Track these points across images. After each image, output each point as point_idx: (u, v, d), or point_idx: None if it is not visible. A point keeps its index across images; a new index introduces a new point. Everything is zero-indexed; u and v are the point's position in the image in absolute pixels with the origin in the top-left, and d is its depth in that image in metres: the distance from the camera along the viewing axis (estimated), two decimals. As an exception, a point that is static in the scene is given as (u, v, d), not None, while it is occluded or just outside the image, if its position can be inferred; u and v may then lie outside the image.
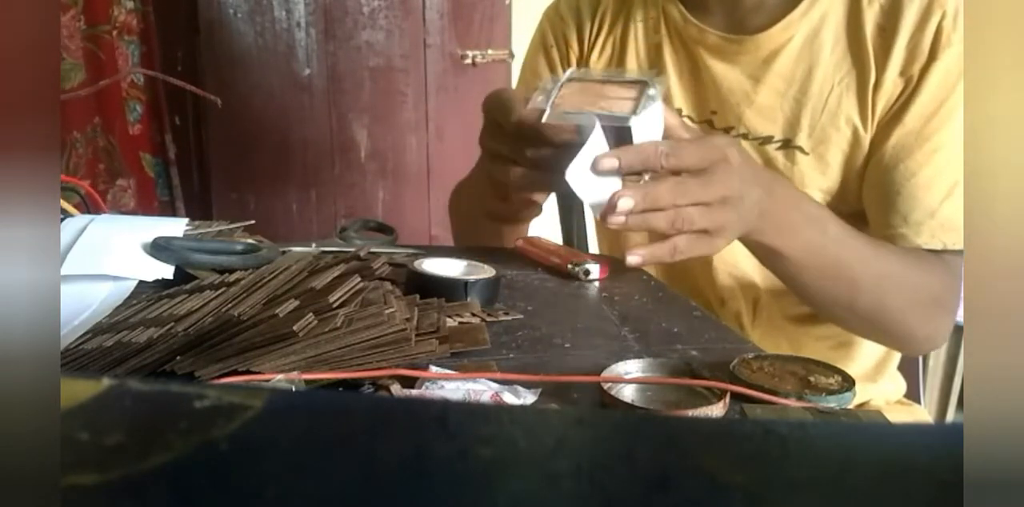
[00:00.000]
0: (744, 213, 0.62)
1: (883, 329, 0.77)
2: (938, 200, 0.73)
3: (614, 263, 0.78)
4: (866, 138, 0.77)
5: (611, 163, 0.58)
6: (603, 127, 0.59)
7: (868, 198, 0.78)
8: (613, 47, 0.89)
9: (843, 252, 0.70)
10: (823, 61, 0.77)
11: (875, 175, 0.76)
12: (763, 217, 0.64)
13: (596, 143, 0.58)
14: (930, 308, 0.75)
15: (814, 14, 0.77)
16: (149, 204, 1.86)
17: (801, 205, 0.68)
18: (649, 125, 0.59)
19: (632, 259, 0.61)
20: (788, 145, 0.79)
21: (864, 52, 0.75)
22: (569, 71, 0.64)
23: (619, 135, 0.59)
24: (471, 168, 0.95)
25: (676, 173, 0.59)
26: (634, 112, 0.59)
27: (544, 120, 0.60)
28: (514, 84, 1.09)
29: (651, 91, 0.60)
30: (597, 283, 0.73)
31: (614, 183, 0.59)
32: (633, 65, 0.87)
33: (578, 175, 0.58)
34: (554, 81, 0.62)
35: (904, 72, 0.74)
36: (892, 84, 0.75)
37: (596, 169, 0.58)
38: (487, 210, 0.86)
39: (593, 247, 1.05)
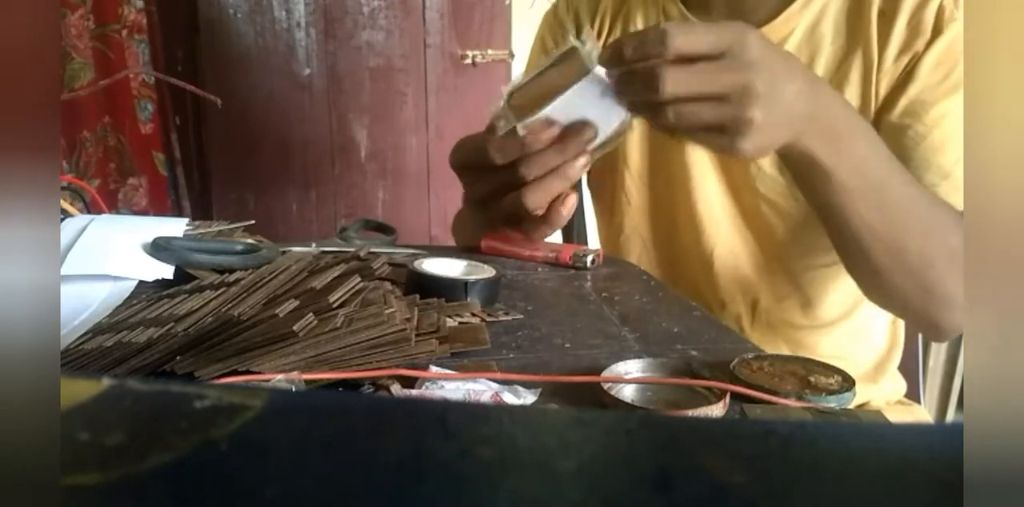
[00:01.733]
0: (777, 111, 0.54)
1: (925, 285, 0.69)
2: (951, 162, 0.71)
3: (608, 259, 0.79)
4: (868, 121, 0.76)
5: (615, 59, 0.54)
6: (574, 94, 0.57)
7: None
8: None
9: (892, 178, 0.64)
10: (824, 51, 0.77)
11: (885, 142, 0.75)
12: (810, 120, 0.58)
13: (572, 104, 0.58)
14: (958, 254, 0.69)
15: (814, 5, 0.77)
16: (162, 203, 1.86)
17: (848, 111, 0.63)
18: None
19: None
20: None
21: (867, 37, 0.75)
22: (502, 92, 0.61)
23: (592, 93, 0.58)
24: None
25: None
26: (590, 68, 0.57)
27: (520, 130, 0.58)
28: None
29: (586, 47, 0.57)
30: (594, 282, 0.73)
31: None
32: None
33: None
34: (499, 104, 0.60)
35: (907, 49, 0.74)
36: (894, 63, 0.74)
37: (611, 82, 0.55)
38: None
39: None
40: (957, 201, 0.71)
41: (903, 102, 0.74)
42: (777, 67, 0.54)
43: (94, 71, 1.67)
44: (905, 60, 0.74)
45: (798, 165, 0.63)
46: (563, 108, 0.58)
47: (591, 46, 0.57)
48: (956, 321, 0.75)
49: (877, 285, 0.73)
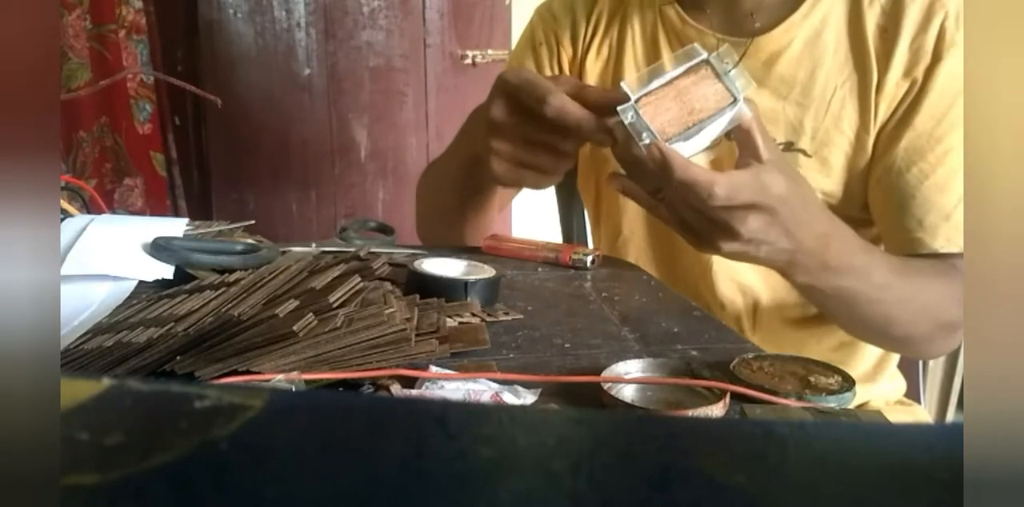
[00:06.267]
0: (767, 253, 0.60)
1: (911, 349, 0.78)
2: (953, 203, 0.73)
3: (607, 259, 0.80)
4: (868, 140, 0.76)
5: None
6: (718, 123, 0.57)
7: (880, 202, 0.77)
8: (610, 49, 0.88)
9: (883, 294, 0.69)
10: (825, 64, 0.77)
11: (887, 179, 0.76)
12: (792, 265, 0.63)
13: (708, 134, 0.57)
14: (952, 323, 0.75)
15: (815, 16, 0.77)
16: (160, 203, 1.86)
17: (850, 254, 0.65)
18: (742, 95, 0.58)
19: (614, 182, 0.60)
20: (790, 148, 0.79)
21: (866, 54, 0.75)
22: (628, 91, 0.58)
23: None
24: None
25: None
26: (734, 97, 0.56)
27: (675, 166, 0.55)
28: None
29: (727, 67, 0.57)
30: (594, 282, 0.73)
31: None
32: (631, 68, 0.87)
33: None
34: (631, 108, 0.57)
35: (908, 73, 0.74)
36: (895, 86, 0.74)
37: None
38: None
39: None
40: (959, 242, 0.73)
41: (909, 135, 0.74)
42: (788, 222, 0.58)
43: (91, 71, 1.67)
44: (906, 85, 0.74)
45: (787, 281, 0.68)
46: (706, 132, 0.57)
47: (729, 66, 0.56)
48: (934, 355, 0.87)
49: (863, 340, 0.82)
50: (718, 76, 0.56)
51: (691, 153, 0.57)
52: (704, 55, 0.57)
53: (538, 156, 0.63)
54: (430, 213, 0.96)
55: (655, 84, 0.57)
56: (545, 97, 0.59)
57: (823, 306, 0.71)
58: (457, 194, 0.84)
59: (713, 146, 0.59)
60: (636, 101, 0.57)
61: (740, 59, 0.60)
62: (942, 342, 0.77)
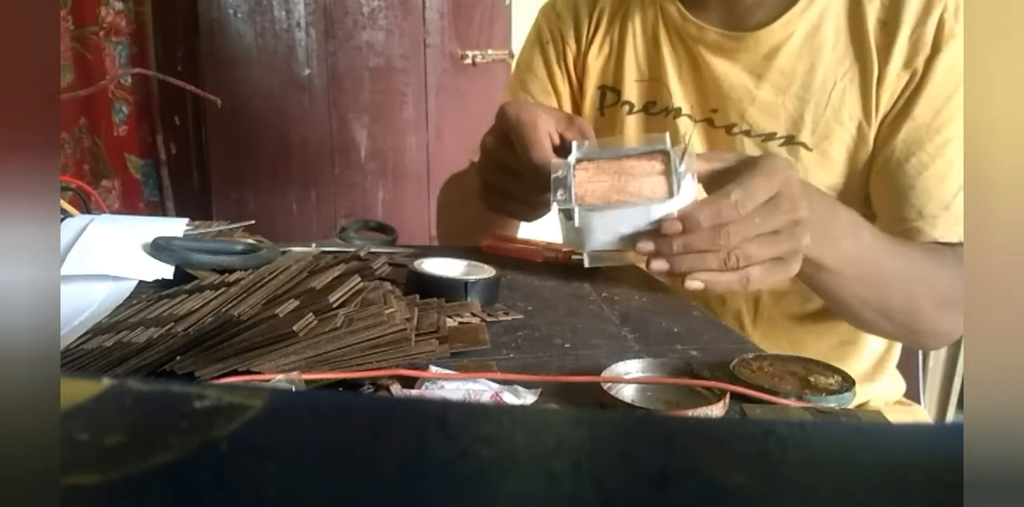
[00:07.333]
0: (813, 232, 0.59)
1: (911, 328, 0.76)
2: (952, 193, 0.73)
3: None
4: (870, 133, 0.77)
5: (676, 227, 0.55)
6: (644, 209, 0.56)
7: (879, 193, 0.78)
8: (611, 46, 0.89)
9: (877, 257, 0.68)
10: (825, 57, 0.77)
11: (886, 170, 0.76)
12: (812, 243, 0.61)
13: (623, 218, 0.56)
14: (952, 303, 0.74)
15: (814, 10, 0.77)
16: (134, 205, 1.87)
17: (838, 213, 0.66)
18: (685, 197, 0.57)
19: (693, 284, 0.57)
20: (791, 142, 0.79)
21: (866, 47, 0.76)
22: (574, 151, 0.58)
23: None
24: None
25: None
26: (670, 193, 0.55)
27: (576, 219, 0.56)
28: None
29: (680, 167, 0.56)
30: (594, 282, 0.73)
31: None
32: (632, 65, 0.87)
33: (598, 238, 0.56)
34: (565, 166, 0.57)
35: (908, 65, 0.74)
36: (896, 78, 0.75)
37: (666, 232, 0.55)
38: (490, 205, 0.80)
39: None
40: (958, 231, 0.73)
41: (908, 126, 0.74)
42: (802, 192, 0.58)
43: (73, 73, 1.67)
44: (906, 77, 0.75)
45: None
46: (623, 214, 0.57)
47: (683, 168, 0.56)
48: (936, 343, 0.82)
49: (865, 329, 0.79)
50: (667, 171, 0.56)
51: (609, 237, 0.57)
52: (666, 146, 0.57)
53: (521, 189, 0.65)
54: (455, 228, 0.97)
55: (606, 154, 0.57)
56: (528, 150, 0.61)
57: (823, 283, 0.69)
58: (484, 212, 0.85)
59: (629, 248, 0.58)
60: (577, 162, 0.57)
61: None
62: (943, 320, 0.75)
